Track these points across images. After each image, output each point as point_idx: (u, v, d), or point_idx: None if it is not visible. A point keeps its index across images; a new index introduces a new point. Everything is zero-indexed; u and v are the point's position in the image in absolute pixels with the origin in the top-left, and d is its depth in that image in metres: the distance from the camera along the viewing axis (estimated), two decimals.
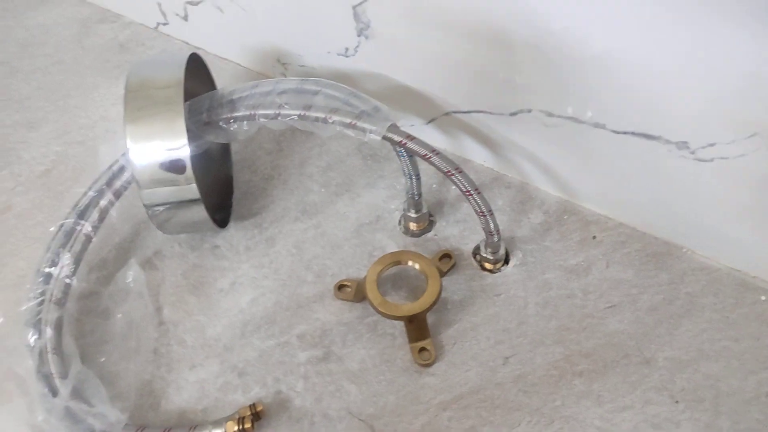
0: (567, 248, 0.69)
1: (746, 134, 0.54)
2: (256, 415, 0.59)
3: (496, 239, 0.66)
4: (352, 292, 0.67)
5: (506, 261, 0.69)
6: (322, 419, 0.60)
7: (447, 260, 0.69)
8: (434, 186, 0.75)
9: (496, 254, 0.68)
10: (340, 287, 0.68)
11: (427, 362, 0.62)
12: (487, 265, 0.68)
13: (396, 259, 0.66)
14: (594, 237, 0.70)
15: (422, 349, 0.63)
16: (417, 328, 0.63)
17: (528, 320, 0.64)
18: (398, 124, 0.64)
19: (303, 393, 0.62)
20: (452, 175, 0.62)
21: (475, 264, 0.69)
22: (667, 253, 0.68)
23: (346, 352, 0.64)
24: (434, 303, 0.62)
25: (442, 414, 0.60)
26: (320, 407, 0.61)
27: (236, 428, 0.57)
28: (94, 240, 0.66)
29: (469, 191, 0.62)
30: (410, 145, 0.62)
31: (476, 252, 0.69)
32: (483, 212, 0.63)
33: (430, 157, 0.62)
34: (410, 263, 0.66)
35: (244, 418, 0.58)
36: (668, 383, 0.59)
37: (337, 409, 0.61)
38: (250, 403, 0.60)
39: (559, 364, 0.61)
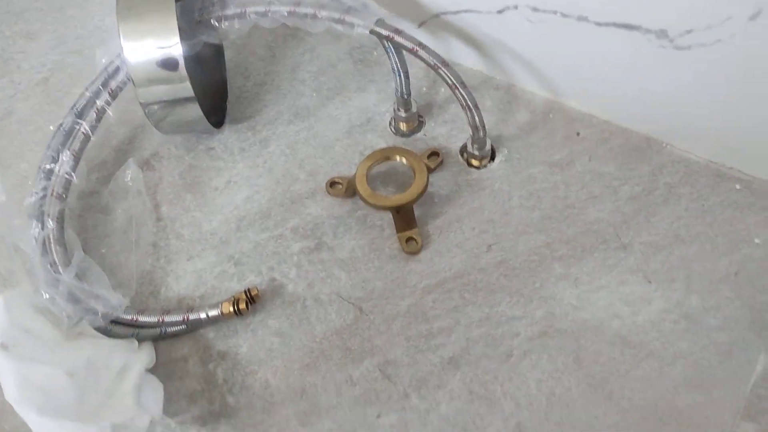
0: (552, 145, 0.71)
1: (721, 19, 0.55)
2: (252, 299, 0.62)
3: (481, 134, 0.67)
4: (343, 188, 0.69)
5: (492, 158, 0.71)
6: (314, 303, 0.63)
7: (435, 157, 0.71)
8: (424, 89, 0.77)
9: (482, 150, 0.69)
10: (332, 184, 0.70)
11: (413, 250, 0.65)
12: (474, 162, 0.70)
13: (385, 155, 0.68)
14: (578, 134, 0.71)
15: (409, 239, 0.65)
16: (404, 218, 0.66)
17: (512, 211, 0.67)
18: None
19: (296, 280, 0.65)
20: (439, 68, 0.63)
21: (462, 161, 0.71)
22: (648, 147, 0.69)
23: (336, 242, 0.67)
24: (421, 194, 0.65)
25: (427, 297, 0.63)
26: (312, 292, 0.64)
27: (231, 308, 0.60)
28: (92, 139, 0.68)
29: (455, 84, 0.64)
30: (398, 38, 0.63)
31: (463, 149, 0.71)
32: (469, 106, 0.65)
33: (417, 51, 0.63)
34: (398, 158, 0.68)
35: (238, 299, 0.61)
36: (643, 265, 0.62)
37: (328, 294, 0.64)
38: (245, 289, 0.64)
39: (540, 250, 0.64)
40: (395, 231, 0.66)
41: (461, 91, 0.64)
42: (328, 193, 0.70)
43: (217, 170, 0.73)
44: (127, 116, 0.75)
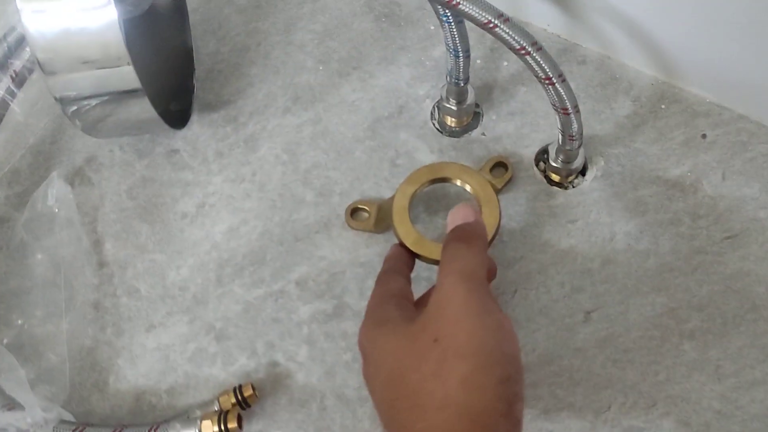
0: (667, 152, 0.49)
1: None
2: (245, 402, 0.42)
3: (576, 145, 0.46)
4: (371, 218, 0.48)
5: (582, 172, 0.49)
6: (337, 402, 0.44)
7: (501, 171, 0.49)
8: (478, 61, 0.54)
9: (571, 163, 0.48)
10: (354, 212, 0.48)
11: None
12: (557, 178, 0.49)
13: (436, 176, 0.46)
14: (704, 135, 0.50)
15: None
16: None
17: (616, 258, 0.46)
18: None
19: (308, 364, 0.45)
20: (527, 54, 0.40)
21: (539, 175, 0.50)
22: None
23: (365, 304, 0.46)
24: (493, 239, 0.44)
25: None
26: (333, 385, 0.44)
27: (216, 428, 0.40)
28: None
29: (549, 78, 0.41)
30: (463, 5, 0.40)
31: (541, 158, 0.50)
32: (566, 108, 0.42)
33: (495, 27, 0.40)
34: (459, 182, 0.46)
35: (227, 412, 0.41)
36: None
37: (357, 388, 0.44)
38: (236, 383, 0.43)
39: (662, 320, 0.44)
40: None
41: (558, 87, 0.41)
42: (349, 224, 0.48)
43: (184, 186, 0.51)
44: (45, 100, 0.51)
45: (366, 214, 0.48)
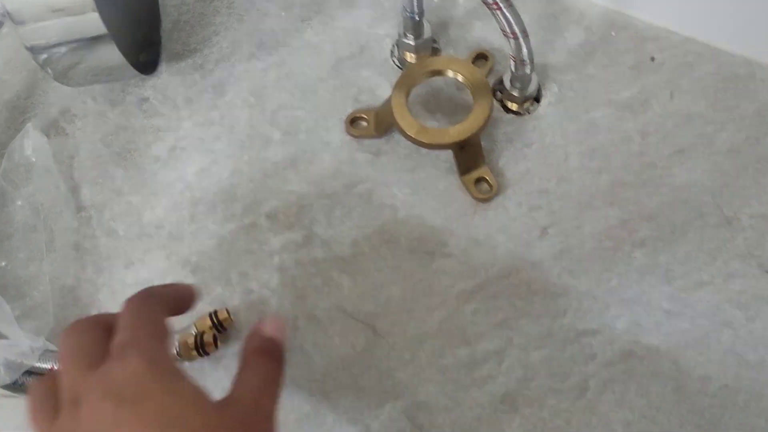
0: (617, 76, 0.52)
1: None
2: (220, 325, 0.44)
3: (528, 70, 0.48)
4: (370, 125, 0.50)
5: (537, 99, 0.51)
6: (308, 323, 0.46)
7: (482, 62, 0.52)
8: (435, 0, 0.56)
9: (525, 90, 0.50)
10: (353, 121, 0.51)
11: (486, 196, 0.48)
12: (513, 106, 0.51)
13: (427, 69, 0.48)
14: (652, 59, 0.52)
15: (479, 180, 0.48)
16: (470, 155, 0.48)
17: (570, 176, 0.49)
18: None
19: (280, 290, 0.47)
20: None
21: (496, 105, 0.52)
22: (751, 75, 0.50)
23: (332, 233, 0.48)
24: (489, 118, 0.47)
25: (464, 307, 0.46)
26: (304, 307, 0.46)
27: (194, 350, 0.43)
28: None
29: (496, 3, 0.43)
30: None
31: (497, 88, 0.52)
32: (515, 33, 0.44)
33: None
34: (450, 73, 0.48)
35: (203, 332, 0.43)
36: (756, 248, 0.45)
37: (327, 309, 0.46)
38: (211, 310, 0.45)
39: (614, 231, 0.47)
40: (458, 174, 0.49)
41: (505, 12, 0.43)
42: (349, 133, 0.51)
43: (156, 132, 0.53)
44: (18, 55, 0.53)
45: (365, 123, 0.50)
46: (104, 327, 0.31)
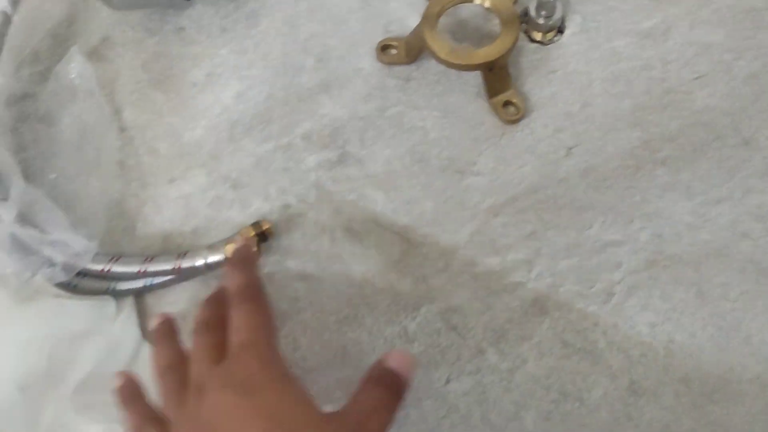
0: (638, 7, 0.53)
1: None
2: (263, 236, 0.47)
3: None
4: (401, 51, 0.52)
5: (560, 30, 0.53)
6: (345, 234, 0.48)
7: None
8: None
9: (551, 19, 0.52)
10: (384, 49, 0.53)
11: (514, 118, 0.50)
12: (537, 35, 0.53)
13: None
14: None
15: (507, 103, 0.50)
16: (498, 77, 0.50)
17: (594, 101, 0.51)
18: None
19: (317, 205, 0.49)
20: None
21: (521, 35, 0.54)
22: (767, 6, 0.53)
23: (365, 152, 0.50)
24: (515, 41, 0.49)
25: (494, 220, 0.48)
26: (341, 221, 0.48)
27: None
28: (14, 20, 0.48)
29: None
30: None
31: (522, 19, 0.54)
32: None
33: None
34: (479, 0, 0.50)
35: (248, 239, 0.45)
36: None
37: (362, 221, 0.48)
38: (253, 220, 0.47)
39: (637, 151, 0.49)
40: (486, 96, 0.51)
41: None
42: (380, 59, 0.53)
43: (193, 58, 0.54)
44: None
45: (394, 50, 0.52)
46: (223, 325, 0.37)
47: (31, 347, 0.41)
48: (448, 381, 0.44)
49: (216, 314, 0.39)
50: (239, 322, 0.36)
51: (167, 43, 0.55)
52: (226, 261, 0.43)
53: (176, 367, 0.37)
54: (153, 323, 0.41)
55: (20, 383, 0.40)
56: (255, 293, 0.38)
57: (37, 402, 0.41)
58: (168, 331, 0.40)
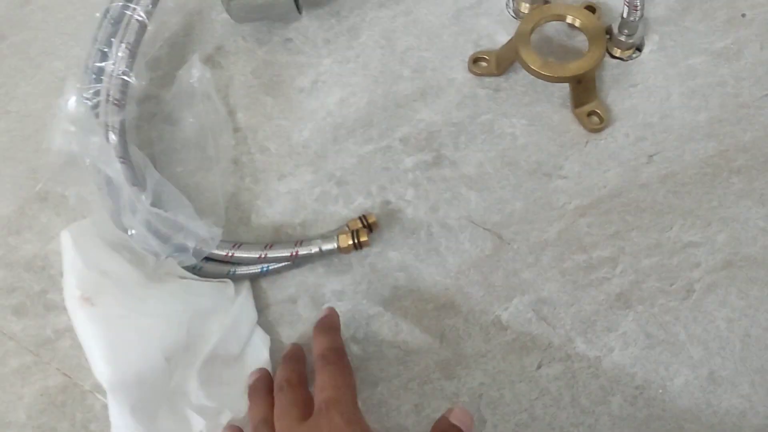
0: (711, 29, 0.58)
1: None
2: (369, 227, 0.51)
3: (638, 15, 0.54)
4: (492, 63, 0.57)
5: (639, 48, 0.58)
6: (441, 229, 0.52)
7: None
8: None
9: (632, 37, 0.56)
10: (476, 61, 0.57)
11: (598, 126, 0.54)
12: (617, 52, 0.57)
13: (548, 13, 0.55)
14: (743, 15, 0.58)
15: (591, 113, 0.54)
16: (585, 89, 0.54)
17: (672, 113, 0.55)
18: None
19: (415, 202, 0.53)
20: None
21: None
22: None
23: (459, 155, 0.55)
24: (602, 57, 0.54)
25: (580, 220, 0.52)
26: (437, 217, 0.53)
27: (350, 242, 0.49)
28: (149, 29, 0.54)
29: None
30: None
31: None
32: None
33: None
34: (569, 18, 0.55)
35: (358, 230, 0.50)
36: None
37: (457, 218, 0.53)
38: (356, 215, 0.52)
39: (713, 160, 0.53)
40: (572, 107, 0.55)
41: None
42: (471, 71, 0.57)
43: (299, 67, 0.59)
44: (176, 3, 0.60)
45: (485, 63, 0.57)
46: (303, 382, 0.43)
47: (173, 320, 0.45)
48: (539, 366, 0.48)
49: (296, 372, 0.43)
50: (324, 382, 0.40)
51: (275, 52, 0.60)
52: (314, 327, 0.47)
53: (269, 421, 0.42)
54: (250, 379, 0.46)
55: (167, 353, 0.44)
56: (339, 356, 0.43)
57: (178, 372, 0.45)
58: (262, 387, 0.45)
